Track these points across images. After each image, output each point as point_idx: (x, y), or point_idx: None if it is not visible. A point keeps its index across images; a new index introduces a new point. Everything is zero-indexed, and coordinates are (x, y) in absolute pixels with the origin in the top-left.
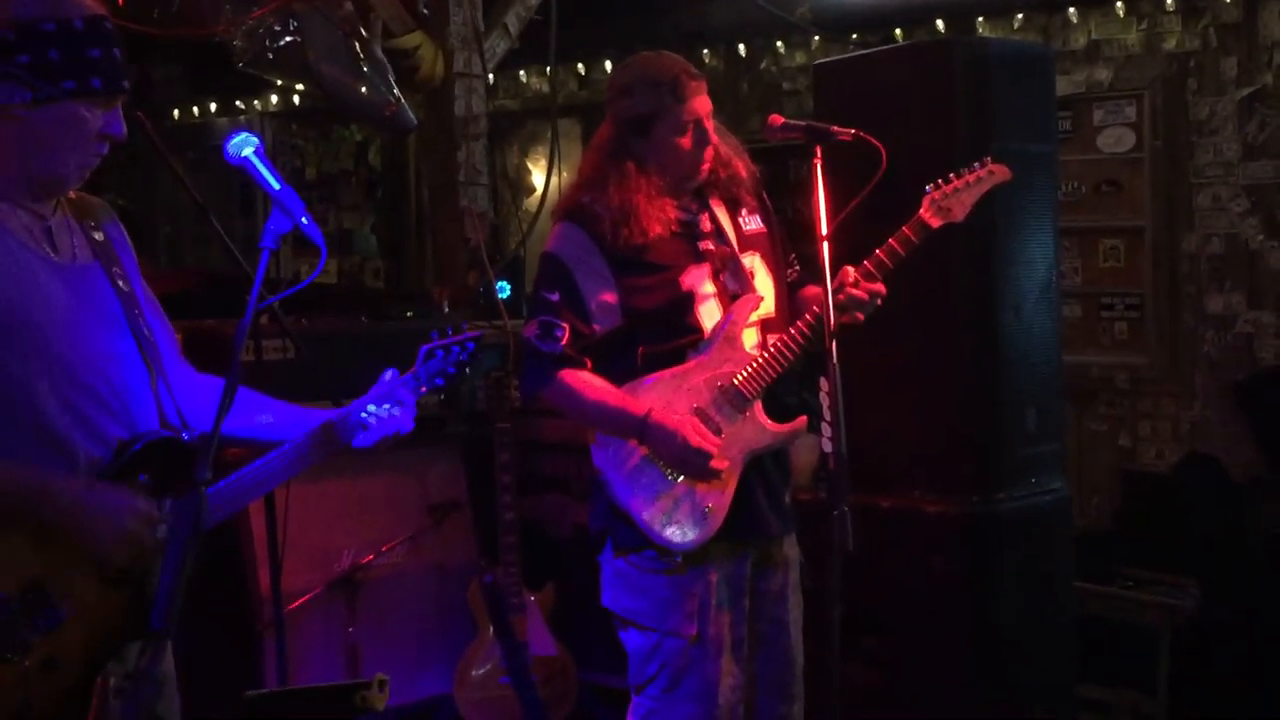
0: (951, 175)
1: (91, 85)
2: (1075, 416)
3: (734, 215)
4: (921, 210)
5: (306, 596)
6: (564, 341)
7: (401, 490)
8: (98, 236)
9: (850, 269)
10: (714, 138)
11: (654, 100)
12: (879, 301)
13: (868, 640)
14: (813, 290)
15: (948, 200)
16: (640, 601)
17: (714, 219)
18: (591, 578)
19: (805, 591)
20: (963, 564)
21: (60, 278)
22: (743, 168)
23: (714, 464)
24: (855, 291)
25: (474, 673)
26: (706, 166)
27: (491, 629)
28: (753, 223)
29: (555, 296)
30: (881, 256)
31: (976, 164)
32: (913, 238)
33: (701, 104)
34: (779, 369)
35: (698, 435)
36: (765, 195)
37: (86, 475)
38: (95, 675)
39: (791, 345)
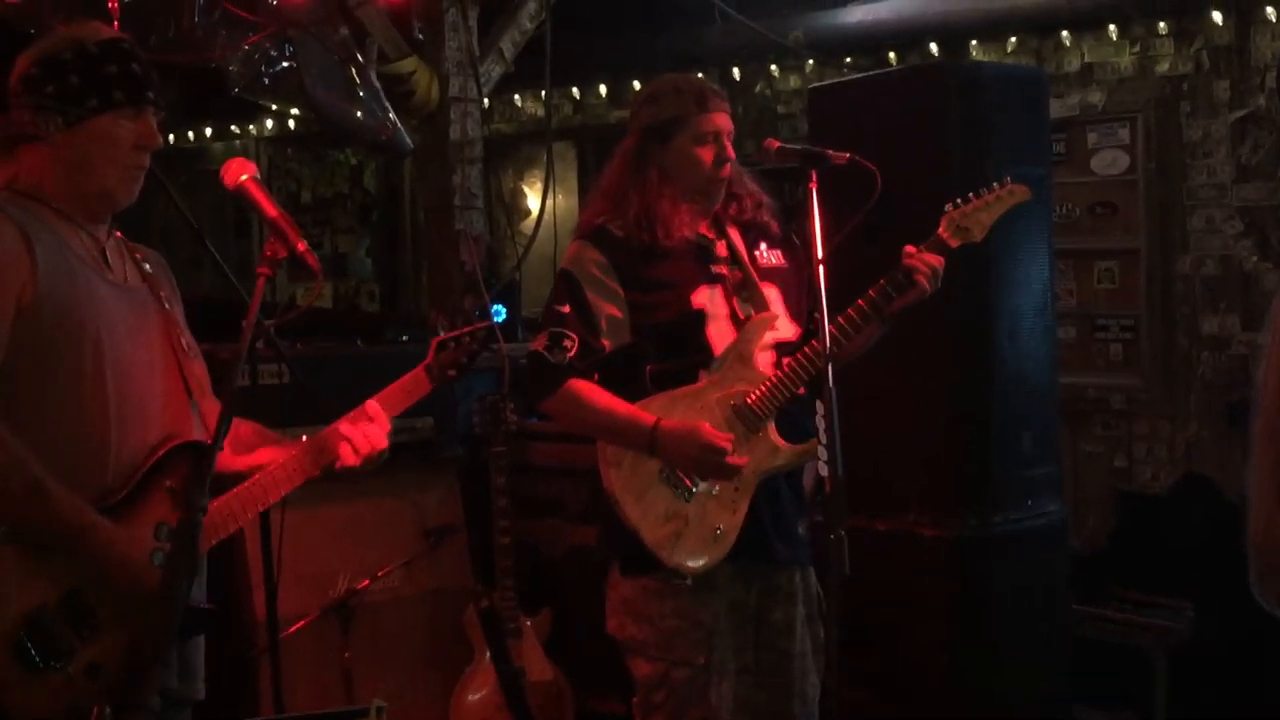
0: (971, 195)
1: (114, 98)
2: (1070, 438)
3: (751, 247)
4: (940, 229)
5: (302, 621)
6: (572, 353)
7: (397, 515)
8: (146, 267)
9: (911, 247)
10: (731, 153)
11: (677, 106)
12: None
13: (865, 662)
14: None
15: (966, 220)
16: (646, 630)
17: (730, 246)
18: (588, 601)
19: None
20: (959, 586)
21: (114, 293)
22: (766, 204)
23: (731, 460)
24: (929, 257)
25: (470, 698)
26: (722, 185)
27: (488, 654)
28: (772, 257)
29: (566, 309)
30: (899, 276)
31: (995, 184)
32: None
33: (723, 120)
34: (793, 389)
35: (711, 433)
36: (795, 237)
37: (115, 478)
38: (140, 677)
39: (806, 365)
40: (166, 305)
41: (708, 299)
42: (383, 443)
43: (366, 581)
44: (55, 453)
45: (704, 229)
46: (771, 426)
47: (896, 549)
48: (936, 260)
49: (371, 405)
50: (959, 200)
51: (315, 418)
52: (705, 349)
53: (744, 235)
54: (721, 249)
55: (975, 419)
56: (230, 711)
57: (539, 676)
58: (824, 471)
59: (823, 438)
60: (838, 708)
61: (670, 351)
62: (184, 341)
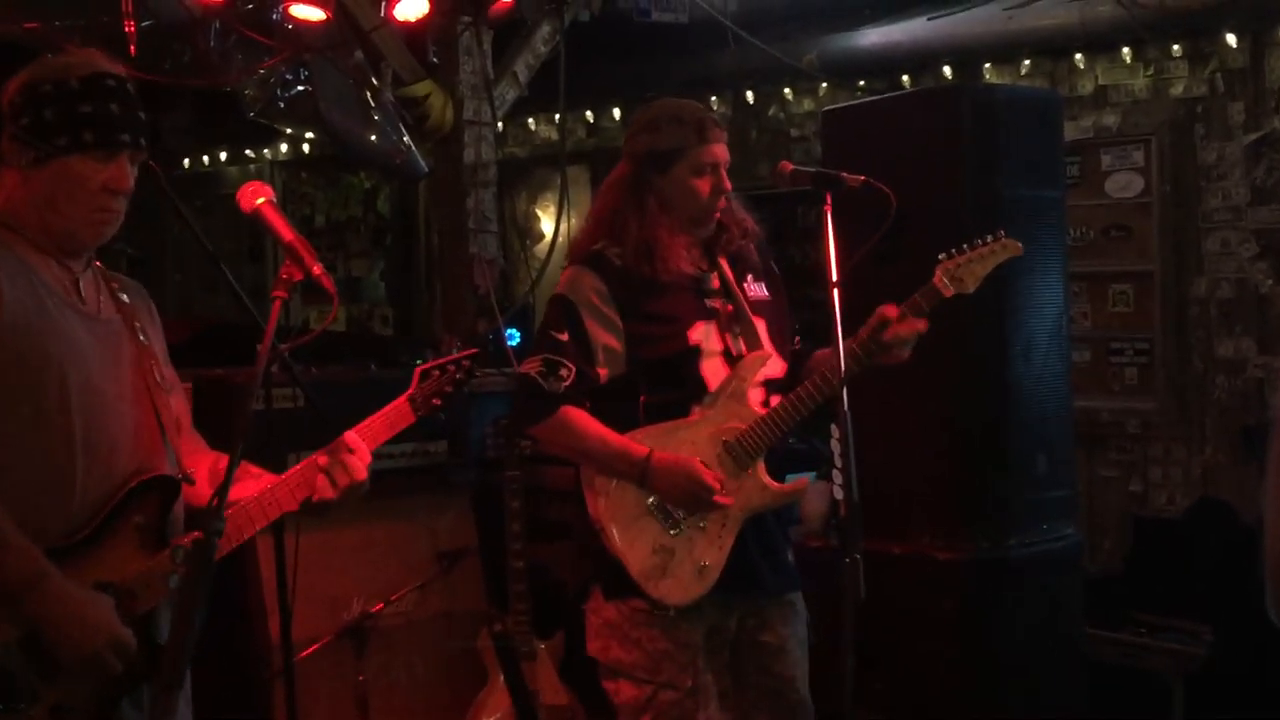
0: (965, 246)
1: (83, 139)
2: (1085, 462)
3: (740, 279)
4: (935, 279)
5: (316, 645)
6: (568, 382)
7: (411, 538)
8: (124, 297)
9: (893, 306)
10: (727, 184)
11: (678, 137)
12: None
13: (879, 685)
14: (821, 355)
15: (960, 270)
16: (633, 653)
17: (723, 278)
18: None
19: (811, 645)
20: (973, 610)
21: (85, 325)
22: (751, 233)
23: (719, 499)
24: (901, 329)
25: None
26: (717, 216)
27: (501, 677)
28: (759, 289)
29: (564, 337)
30: (880, 337)
31: (989, 236)
32: (924, 305)
33: (721, 151)
34: (785, 429)
35: (702, 469)
36: (774, 265)
37: (81, 514)
38: (107, 718)
39: (799, 405)
40: (142, 337)
41: (703, 335)
42: (361, 475)
43: (380, 605)
44: (17, 487)
45: (698, 260)
46: (761, 465)
47: (911, 572)
48: (911, 330)
49: (351, 437)
50: (953, 250)
51: (329, 441)
52: (700, 384)
53: (732, 267)
54: (714, 281)
55: (990, 442)
56: None
57: (552, 700)
58: (839, 495)
59: (838, 461)
60: None
61: (665, 385)
62: (158, 375)
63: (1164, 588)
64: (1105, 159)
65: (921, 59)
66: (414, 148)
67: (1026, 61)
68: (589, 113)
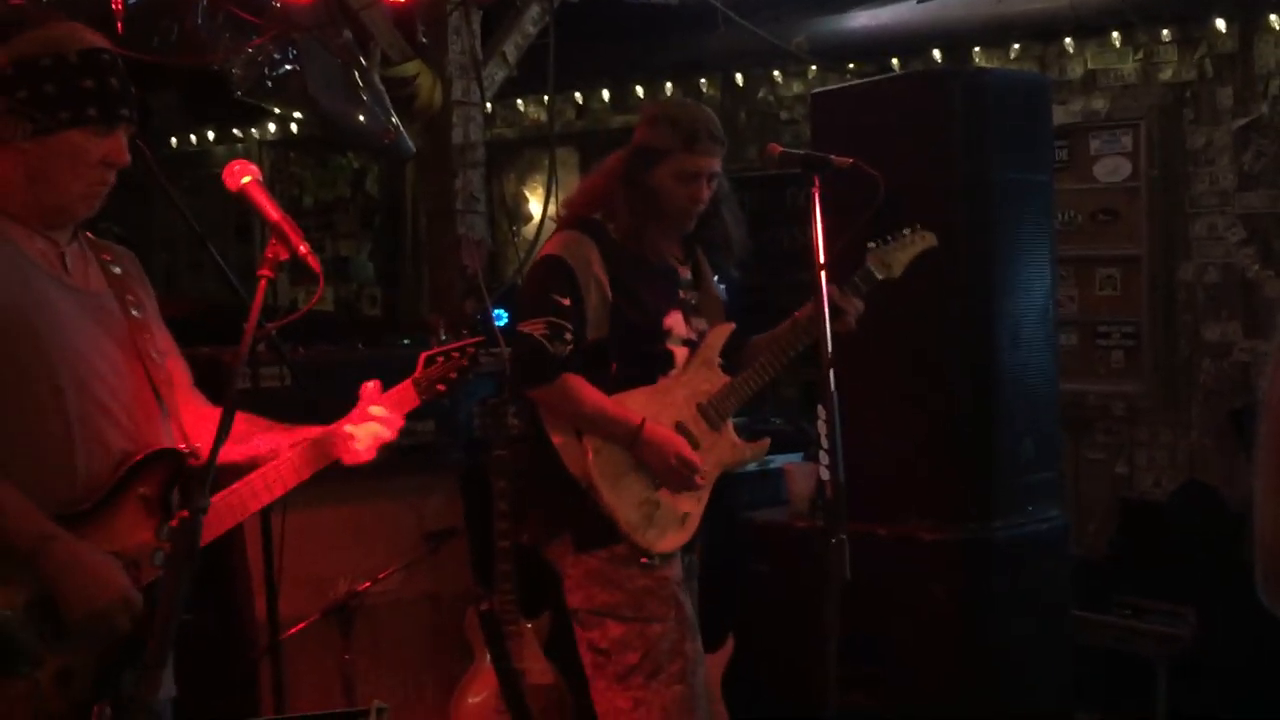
0: (889, 236)
1: (86, 114)
2: (1072, 445)
3: (708, 273)
4: (867, 262)
5: (302, 624)
6: (571, 347)
7: (398, 518)
8: (115, 270)
9: (834, 287)
10: (704, 195)
11: (668, 139)
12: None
13: (865, 668)
14: (758, 340)
15: (888, 257)
16: (616, 594)
17: (695, 270)
18: None
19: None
20: (960, 592)
21: (71, 298)
22: (736, 242)
23: (698, 479)
24: (843, 303)
25: (470, 701)
26: (690, 219)
27: (488, 657)
28: (720, 290)
29: (567, 302)
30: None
31: (907, 229)
32: (861, 286)
33: (707, 164)
34: (749, 392)
35: (689, 450)
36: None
37: (83, 490)
38: (110, 686)
39: (762, 373)
40: (134, 310)
41: (674, 321)
42: (389, 435)
43: (367, 584)
44: (15, 467)
45: (676, 251)
46: (729, 425)
47: (897, 553)
48: (850, 306)
49: (375, 408)
50: (878, 241)
51: (316, 421)
52: (669, 361)
53: (709, 264)
54: (685, 273)
55: (977, 424)
56: (231, 713)
57: (539, 679)
58: (825, 476)
59: (824, 442)
60: (835, 713)
61: (636, 355)
62: (152, 345)
63: (1150, 570)
64: (1094, 143)
65: (911, 42)
66: (402, 128)
67: (1016, 45)
68: (578, 94)
